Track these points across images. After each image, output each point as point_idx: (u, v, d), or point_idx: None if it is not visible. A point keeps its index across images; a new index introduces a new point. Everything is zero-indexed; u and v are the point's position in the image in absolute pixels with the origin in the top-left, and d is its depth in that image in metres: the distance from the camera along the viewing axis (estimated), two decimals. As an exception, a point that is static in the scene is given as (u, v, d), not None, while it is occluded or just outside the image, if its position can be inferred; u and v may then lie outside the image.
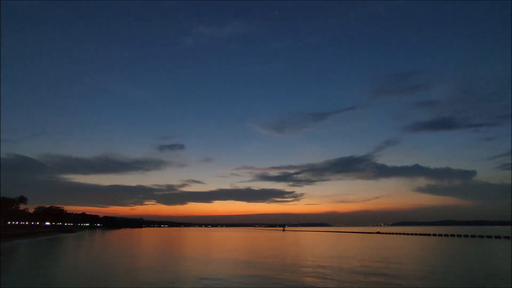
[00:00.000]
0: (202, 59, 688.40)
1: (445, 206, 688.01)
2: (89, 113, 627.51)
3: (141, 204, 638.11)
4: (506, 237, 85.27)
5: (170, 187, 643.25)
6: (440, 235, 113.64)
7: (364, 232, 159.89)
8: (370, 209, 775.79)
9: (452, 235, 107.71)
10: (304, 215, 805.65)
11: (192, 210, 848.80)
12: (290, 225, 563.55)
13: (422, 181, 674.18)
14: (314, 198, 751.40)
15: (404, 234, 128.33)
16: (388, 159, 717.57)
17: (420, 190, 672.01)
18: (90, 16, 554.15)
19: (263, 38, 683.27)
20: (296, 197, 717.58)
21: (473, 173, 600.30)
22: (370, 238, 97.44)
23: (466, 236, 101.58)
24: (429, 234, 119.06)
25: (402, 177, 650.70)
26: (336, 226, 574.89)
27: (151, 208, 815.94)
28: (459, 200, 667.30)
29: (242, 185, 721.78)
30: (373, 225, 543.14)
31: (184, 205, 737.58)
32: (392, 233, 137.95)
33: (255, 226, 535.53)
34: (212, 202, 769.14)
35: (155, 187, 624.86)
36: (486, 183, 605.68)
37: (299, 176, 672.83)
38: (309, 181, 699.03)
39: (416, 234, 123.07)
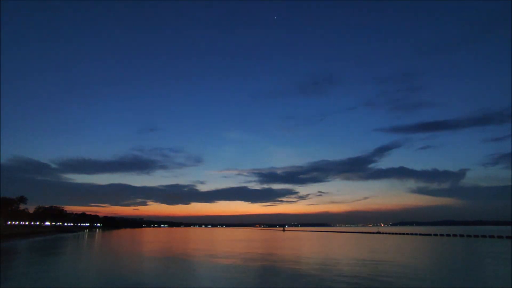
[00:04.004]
0: (204, 64, 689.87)
1: (443, 206, 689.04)
2: (90, 115, 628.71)
3: (144, 204, 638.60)
4: (508, 237, 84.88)
5: (173, 187, 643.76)
6: (442, 235, 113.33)
7: (365, 232, 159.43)
8: (372, 209, 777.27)
9: (455, 235, 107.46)
10: (304, 215, 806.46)
11: (194, 210, 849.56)
12: (290, 225, 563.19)
13: (419, 182, 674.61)
14: (313, 199, 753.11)
15: (405, 234, 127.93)
16: (384, 161, 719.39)
17: (418, 190, 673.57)
18: (93, 21, 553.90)
19: (263, 40, 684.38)
20: (296, 197, 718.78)
21: (470, 173, 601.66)
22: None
23: (469, 236, 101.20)
24: (430, 234, 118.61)
25: (398, 177, 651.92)
26: (337, 226, 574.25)
27: (154, 208, 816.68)
28: (458, 200, 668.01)
29: (242, 186, 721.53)
30: (373, 225, 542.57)
31: (187, 205, 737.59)
32: (394, 233, 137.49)
33: (255, 226, 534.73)
34: (214, 202, 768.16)
35: (159, 187, 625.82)
36: (485, 183, 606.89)
37: (300, 177, 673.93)
38: (309, 182, 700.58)
39: (417, 234, 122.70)
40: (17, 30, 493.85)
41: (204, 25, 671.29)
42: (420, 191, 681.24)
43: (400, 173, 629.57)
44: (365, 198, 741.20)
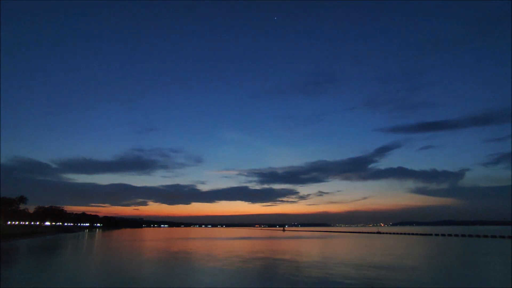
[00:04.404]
0: (205, 70, 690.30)
1: (444, 207, 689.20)
2: (91, 116, 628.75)
3: (145, 204, 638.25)
4: (510, 237, 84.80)
5: (174, 187, 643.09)
6: (443, 235, 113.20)
7: (365, 232, 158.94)
8: (372, 209, 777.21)
9: (457, 235, 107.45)
10: (304, 215, 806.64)
11: (194, 210, 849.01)
12: (290, 225, 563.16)
13: (419, 182, 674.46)
14: (313, 199, 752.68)
15: (406, 234, 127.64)
16: (385, 161, 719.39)
17: (418, 190, 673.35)
18: (97, 24, 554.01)
19: (263, 40, 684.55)
20: (296, 197, 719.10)
21: (470, 173, 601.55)
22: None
23: (471, 236, 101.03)
24: (431, 234, 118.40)
25: (397, 178, 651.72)
26: (336, 226, 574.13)
27: (154, 208, 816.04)
28: (458, 200, 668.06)
29: (242, 186, 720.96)
30: (373, 225, 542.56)
31: (188, 205, 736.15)
32: (395, 233, 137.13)
33: (255, 226, 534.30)
34: (215, 202, 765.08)
35: (160, 187, 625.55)
36: (485, 183, 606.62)
37: (300, 177, 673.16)
38: (309, 182, 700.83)
39: (418, 234, 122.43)
40: (18, 31, 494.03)
41: (204, 25, 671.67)
42: (419, 191, 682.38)
43: (400, 173, 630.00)
44: (365, 198, 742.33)
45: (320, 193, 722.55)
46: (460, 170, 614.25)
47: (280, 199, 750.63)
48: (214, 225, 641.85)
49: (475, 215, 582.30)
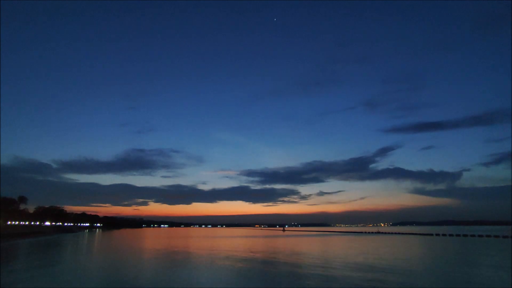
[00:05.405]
0: (204, 71, 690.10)
1: (444, 207, 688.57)
2: (91, 115, 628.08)
3: (145, 204, 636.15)
4: (505, 237, 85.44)
5: (175, 187, 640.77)
6: (444, 235, 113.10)
7: (365, 232, 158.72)
8: (372, 209, 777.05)
9: (458, 235, 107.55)
10: (304, 215, 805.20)
11: (194, 210, 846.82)
12: (290, 225, 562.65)
13: (419, 183, 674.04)
14: (314, 199, 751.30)
15: (407, 234, 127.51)
16: (386, 161, 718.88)
17: (418, 191, 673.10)
18: (97, 22, 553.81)
19: (263, 40, 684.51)
20: (297, 197, 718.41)
21: (470, 173, 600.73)
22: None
23: (473, 235, 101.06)
24: (432, 234, 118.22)
25: (397, 178, 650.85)
26: (336, 226, 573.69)
27: (154, 208, 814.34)
28: (458, 200, 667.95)
29: (243, 186, 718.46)
30: (374, 225, 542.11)
31: (188, 205, 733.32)
32: (396, 233, 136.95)
33: (254, 227, 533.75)
34: (216, 202, 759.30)
35: (161, 187, 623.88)
36: (485, 183, 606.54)
37: (302, 177, 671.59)
38: (310, 182, 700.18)
39: (419, 234, 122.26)
40: (18, 30, 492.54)
41: (204, 25, 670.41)
42: (419, 191, 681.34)
43: (400, 173, 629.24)
44: (365, 198, 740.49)
45: (321, 193, 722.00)
46: (460, 170, 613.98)
47: (281, 199, 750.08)
48: (214, 225, 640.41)
49: (475, 215, 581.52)
